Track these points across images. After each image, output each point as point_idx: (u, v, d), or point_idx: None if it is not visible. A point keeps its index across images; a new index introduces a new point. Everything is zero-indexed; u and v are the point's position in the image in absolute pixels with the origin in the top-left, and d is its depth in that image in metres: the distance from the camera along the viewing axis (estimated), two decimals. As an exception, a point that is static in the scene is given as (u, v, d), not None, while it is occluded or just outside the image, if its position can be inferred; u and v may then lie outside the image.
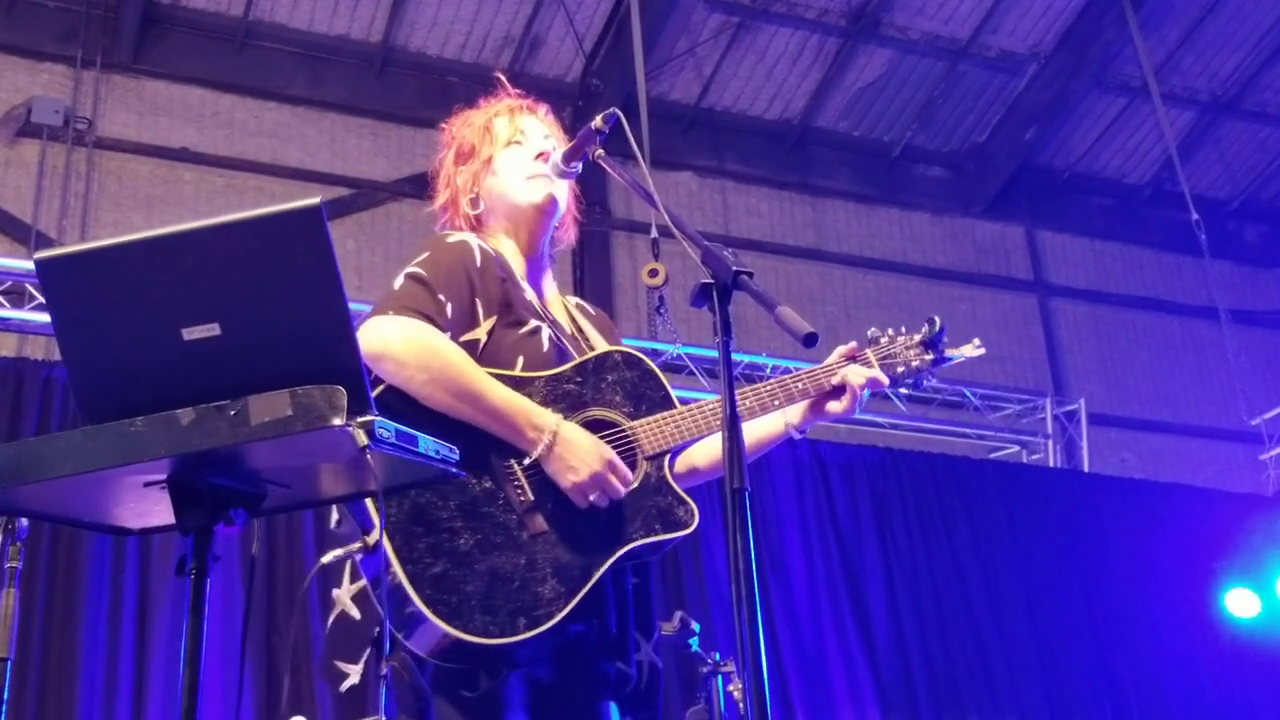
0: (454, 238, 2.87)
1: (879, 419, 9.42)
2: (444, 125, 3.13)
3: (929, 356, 3.14)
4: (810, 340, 2.38)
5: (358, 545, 2.54)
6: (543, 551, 2.63)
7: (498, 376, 2.71)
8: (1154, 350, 10.99)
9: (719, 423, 2.74)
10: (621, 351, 2.89)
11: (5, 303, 7.56)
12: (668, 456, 2.79)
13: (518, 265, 2.95)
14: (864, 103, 10.18)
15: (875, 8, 9.57)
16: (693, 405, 2.82)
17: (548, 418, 2.69)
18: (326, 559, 2.58)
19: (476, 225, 2.99)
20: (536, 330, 2.83)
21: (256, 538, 2.35)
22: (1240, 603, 9.20)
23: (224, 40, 8.89)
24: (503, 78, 3.15)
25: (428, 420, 2.58)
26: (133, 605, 6.58)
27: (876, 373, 3.02)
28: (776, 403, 2.92)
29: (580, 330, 3.03)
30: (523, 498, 2.66)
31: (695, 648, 5.21)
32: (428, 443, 2.12)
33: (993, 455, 9.88)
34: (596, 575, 2.64)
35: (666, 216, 2.55)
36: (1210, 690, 8.92)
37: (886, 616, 8.33)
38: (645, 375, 2.86)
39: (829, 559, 8.37)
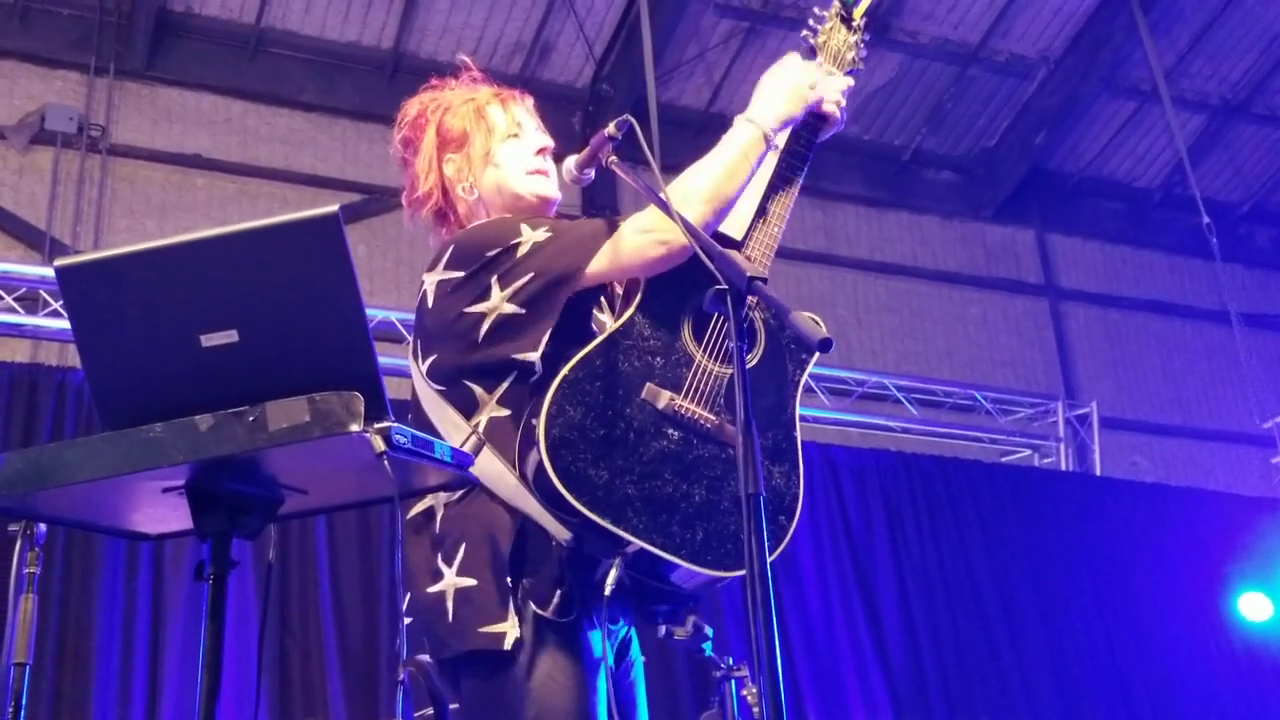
0: (524, 223, 2.83)
1: (890, 422, 9.42)
2: (407, 106, 3.08)
3: (853, 29, 3.20)
4: (824, 345, 2.38)
5: (613, 577, 2.61)
6: None
7: (580, 352, 2.73)
8: (1165, 354, 10.98)
9: (778, 228, 2.95)
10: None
11: (20, 309, 7.59)
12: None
13: None
14: (874, 107, 10.18)
15: (884, 12, 9.57)
16: (755, 235, 2.95)
17: (740, 131, 2.92)
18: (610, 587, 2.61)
19: (468, 214, 2.99)
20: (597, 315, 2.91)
21: (273, 543, 2.36)
22: (1252, 606, 9.18)
23: (236, 47, 8.91)
24: (469, 60, 3.13)
25: (589, 409, 2.66)
26: (146, 610, 6.60)
27: (843, 86, 3.11)
28: (797, 175, 3.07)
29: None
30: (707, 423, 2.74)
31: (709, 652, 5.20)
32: (443, 448, 2.13)
33: (1004, 459, 9.87)
34: (798, 434, 2.83)
35: (680, 223, 2.56)
36: (1223, 694, 8.91)
37: (899, 620, 8.32)
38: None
39: (841, 562, 8.36)
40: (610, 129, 2.81)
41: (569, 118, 9.20)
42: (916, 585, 8.45)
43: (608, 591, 2.60)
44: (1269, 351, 10.67)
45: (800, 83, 2.94)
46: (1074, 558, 8.91)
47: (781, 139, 2.96)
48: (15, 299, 7.60)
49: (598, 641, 2.67)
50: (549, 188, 2.97)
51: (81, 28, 8.53)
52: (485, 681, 2.63)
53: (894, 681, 8.11)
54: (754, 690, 4.89)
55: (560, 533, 2.64)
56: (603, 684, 2.65)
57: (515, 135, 3.00)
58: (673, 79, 9.58)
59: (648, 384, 2.73)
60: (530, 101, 3.11)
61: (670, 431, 2.72)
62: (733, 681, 5.08)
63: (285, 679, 6.76)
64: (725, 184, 2.82)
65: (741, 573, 2.56)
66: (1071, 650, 8.63)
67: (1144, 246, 11.22)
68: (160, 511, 2.17)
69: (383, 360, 2.08)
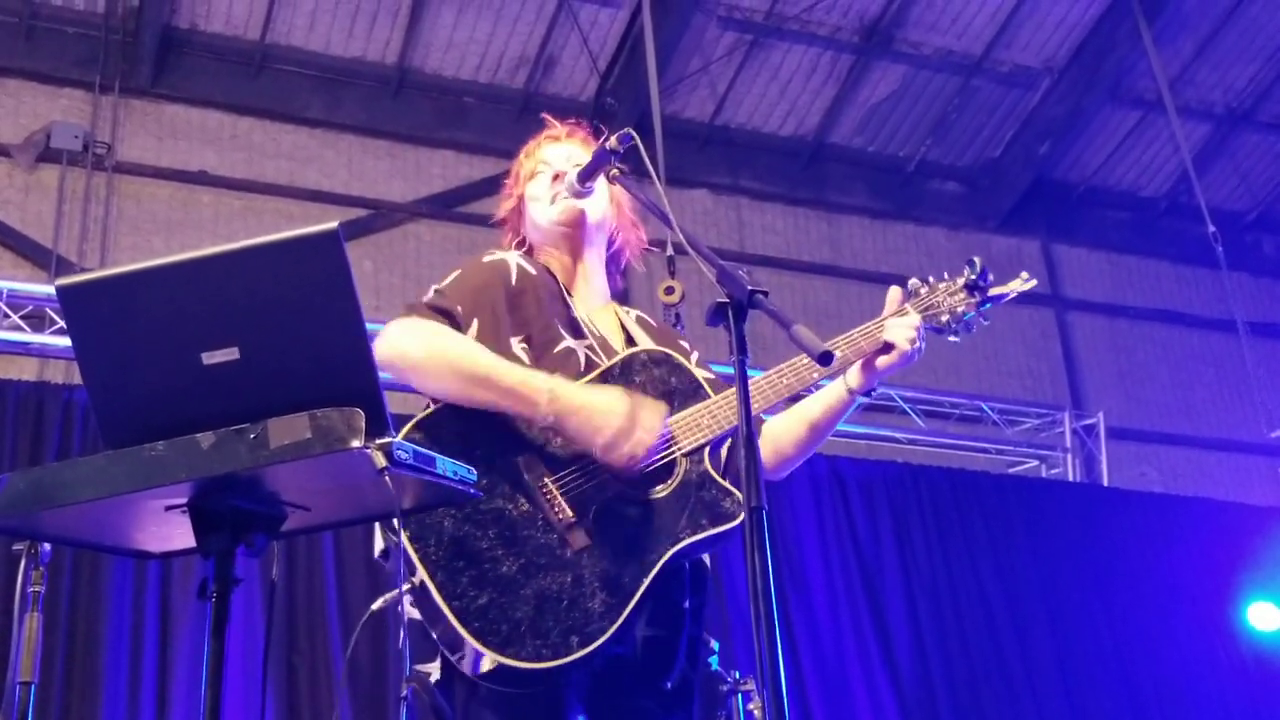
0: (491, 256, 2.93)
1: (897, 434, 9.41)
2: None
3: (974, 299, 3.15)
4: (825, 359, 2.38)
5: (407, 586, 2.55)
6: (589, 566, 2.61)
7: None
8: (1172, 363, 10.96)
9: (755, 406, 2.77)
10: (647, 350, 2.89)
11: (26, 327, 7.61)
12: (708, 450, 2.76)
13: (568, 281, 3.01)
14: (878, 118, 10.19)
15: (888, 24, 9.58)
16: (728, 392, 2.79)
17: (540, 379, 2.66)
18: (377, 605, 2.60)
19: (528, 253, 3.06)
20: (570, 351, 2.85)
21: (276, 560, 2.36)
22: (1262, 616, 9.15)
23: (241, 64, 8.93)
24: (549, 118, 3.18)
25: (462, 438, 2.62)
26: (154, 628, 6.60)
27: (916, 324, 3.05)
28: (815, 374, 2.89)
29: (634, 344, 3.02)
30: (561, 515, 2.65)
31: (715, 666, 5.20)
32: (445, 464, 2.14)
33: (1012, 470, 9.86)
34: (646, 581, 2.62)
35: (682, 236, 2.55)
36: (1233, 704, 8.88)
37: (907, 632, 8.31)
38: (674, 370, 2.86)
39: (849, 575, 8.35)
40: (611, 143, 2.82)
41: (573, 132, 9.20)
42: (924, 597, 8.44)
43: (376, 605, 2.62)
44: (1276, 360, 10.64)
45: (605, 423, 2.65)
46: (1082, 568, 8.89)
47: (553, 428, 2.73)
48: (21, 317, 7.62)
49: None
50: (560, 210, 2.99)
51: (87, 46, 8.55)
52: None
53: (902, 693, 8.09)
54: (761, 704, 4.88)
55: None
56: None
57: (539, 172, 3.05)
58: (677, 92, 9.59)
59: (529, 453, 2.69)
60: (565, 132, 3.13)
61: (521, 501, 2.64)
62: (739, 695, 5.07)
63: (293, 695, 6.75)
64: (475, 386, 2.64)
65: (505, 660, 2.50)
66: (1080, 661, 8.60)
67: (1150, 256, 11.21)
68: (163, 530, 2.17)
69: (388, 376, 2.08)
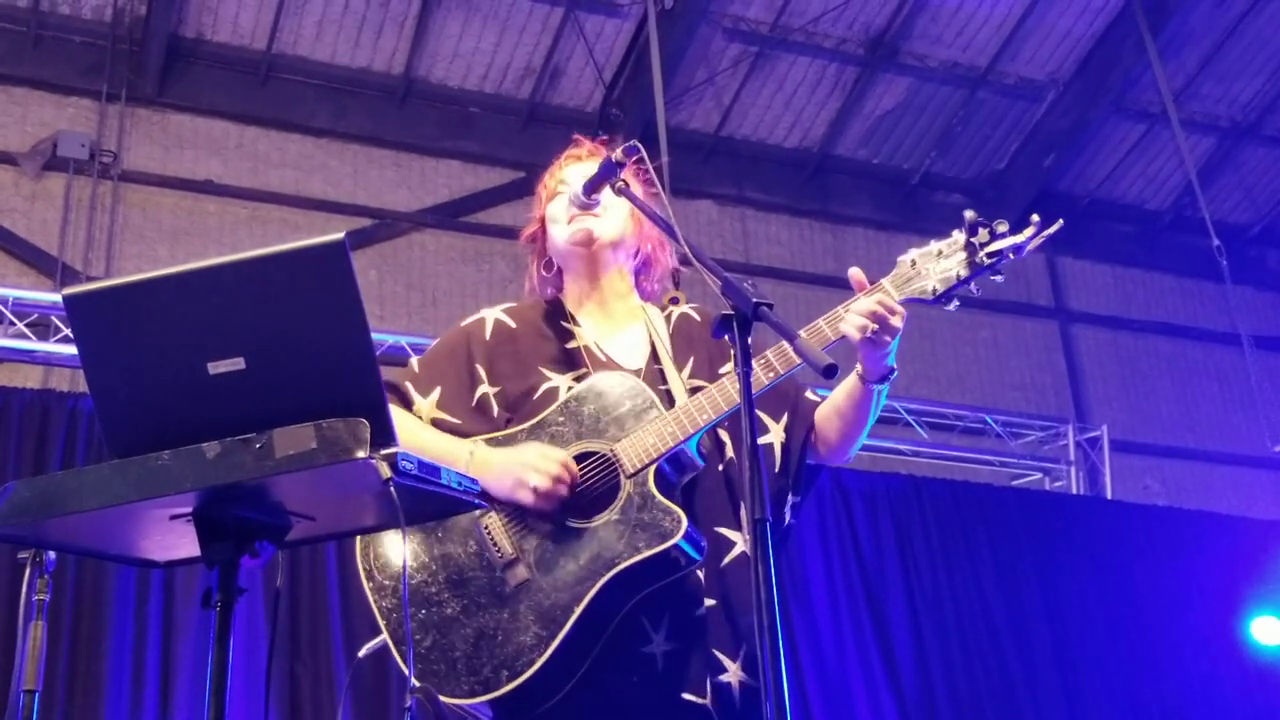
0: (470, 319, 3.08)
1: (901, 446, 9.40)
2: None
3: (974, 257, 2.71)
4: (829, 372, 2.38)
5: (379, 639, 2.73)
6: (525, 601, 2.70)
7: (490, 438, 2.86)
8: (1176, 376, 10.95)
9: (704, 417, 2.74)
10: (601, 375, 2.89)
11: (31, 335, 7.62)
12: (653, 469, 2.74)
13: (582, 309, 3.04)
14: (883, 130, 10.20)
15: (893, 36, 9.59)
16: (676, 408, 2.78)
17: (461, 449, 2.81)
18: (363, 652, 2.75)
19: (557, 279, 3.12)
20: (552, 390, 2.91)
21: (281, 570, 2.36)
22: (1266, 630, 9.13)
23: (248, 73, 8.95)
24: (581, 138, 3.19)
25: None
26: (157, 637, 6.60)
27: (874, 307, 2.70)
28: (770, 375, 2.79)
29: (657, 359, 2.99)
30: (500, 555, 2.75)
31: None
32: (450, 475, 2.14)
33: (1015, 482, 9.85)
34: (579, 610, 2.66)
35: (687, 248, 2.56)
36: (1236, 718, 8.86)
37: (910, 644, 8.29)
38: (627, 392, 2.83)
39: (852, 586, 8.34)
40: (617, 155, 2.83)
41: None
42: (927, 609, 8.43)
43: (362, 654, 2.81)
44: (1280, 374, 10.65)
45: (517, 474, 2.74)
46: (1085, 581, 8.87)
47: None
48: (27, 325, 7.63)
49: None
50: (572, 231, 3.00)
51: (93, 55, 8.58)
52: None
53: (905, 705, 8.08)
54: (764, 715, 4.86)
55: None
56: None
57: (559, 193, 3.06)
58: (682, 103, 9.61)
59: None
60: (587, 150, 3.13)
61: (470, 543, 2.79)
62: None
63: (295, 705, 6.75)
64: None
65: (446, 699, 2.65)
66: (1083, 674, 8.59)
67: (1154, 269, 11.21)
68: (168, 539, 2.17)
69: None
